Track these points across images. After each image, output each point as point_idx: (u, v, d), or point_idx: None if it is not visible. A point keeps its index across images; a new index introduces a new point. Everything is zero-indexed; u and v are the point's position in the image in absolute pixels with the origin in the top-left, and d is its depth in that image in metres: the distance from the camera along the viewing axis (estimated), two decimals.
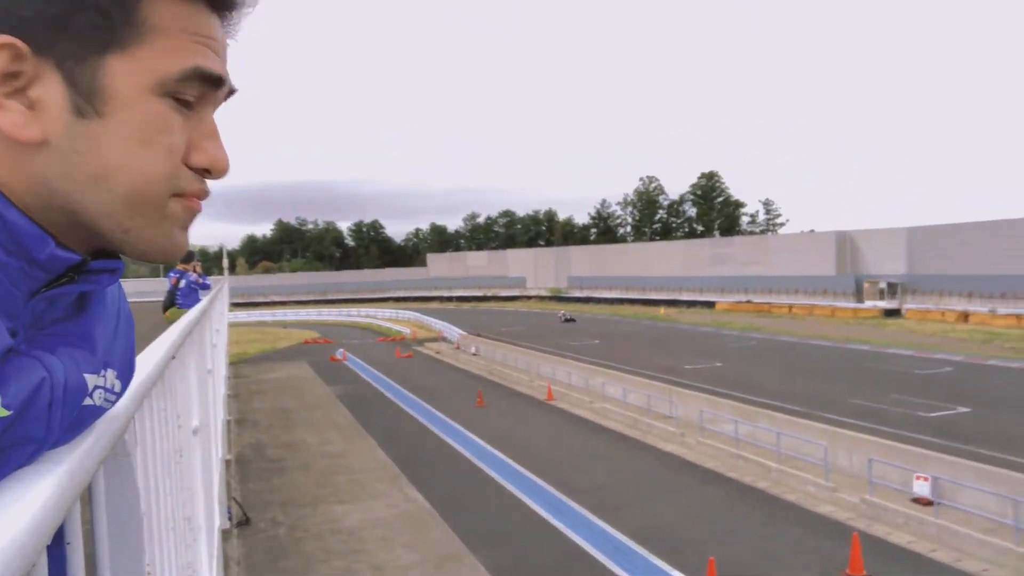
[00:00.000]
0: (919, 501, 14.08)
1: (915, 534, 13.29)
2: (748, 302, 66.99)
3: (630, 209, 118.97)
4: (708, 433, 19.60)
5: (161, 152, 0.66)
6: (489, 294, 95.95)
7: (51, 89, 0.63)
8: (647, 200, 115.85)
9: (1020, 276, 48.78)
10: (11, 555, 0.50)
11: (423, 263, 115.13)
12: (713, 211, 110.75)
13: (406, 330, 57.50)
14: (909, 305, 55.42)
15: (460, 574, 11.66)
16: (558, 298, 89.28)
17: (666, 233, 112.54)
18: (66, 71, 0.64)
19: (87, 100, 0.64)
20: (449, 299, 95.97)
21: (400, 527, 13.80)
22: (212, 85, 0.69)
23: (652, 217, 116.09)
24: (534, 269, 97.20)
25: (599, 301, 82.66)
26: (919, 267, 57.23)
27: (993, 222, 53.11)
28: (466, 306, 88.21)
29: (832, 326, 50.69)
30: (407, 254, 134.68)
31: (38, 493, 0.62)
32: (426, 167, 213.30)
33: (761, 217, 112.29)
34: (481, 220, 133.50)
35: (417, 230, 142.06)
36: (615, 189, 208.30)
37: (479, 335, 45.23)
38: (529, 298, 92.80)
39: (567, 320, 60.84)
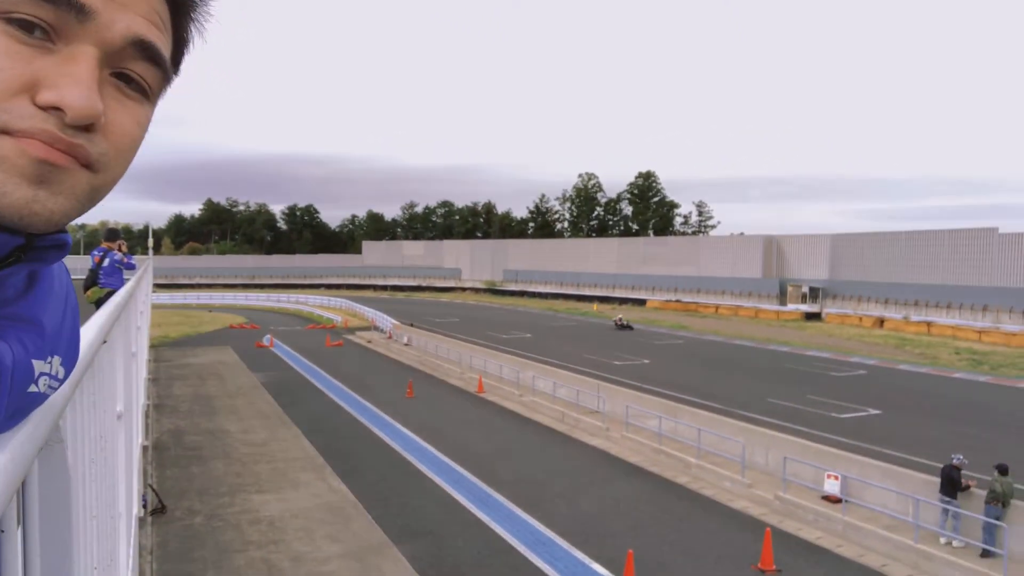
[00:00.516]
0: (829, 498, 14.74)
1: (824, 530, 13.92)
2: (677, 301, 68.55)
3: (568, 205, 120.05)
4: (633, 428, 20.04)
5: None
6: (424, 284, 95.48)
7: None
8: (585, 196, 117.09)
9: (931, 285, 51.36)
10: None
11: (358, 250, 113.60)
12: (648, 210, 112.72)
13: (337, 318, 56.70)
14: (829, 309, 57.71)
15: (381, 566, 11.69)
16: (493, 290, 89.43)
17: (602, 230, 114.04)
18: None
19: None
20: (384, 288, 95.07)
21: (322, 518, 13.74)
22: (64, 8, 0.60)
23: (590, 214, 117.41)
24: (471, 261, 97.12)
25: (534, 295, 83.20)
26: (840, 273, 59.64)
27: (908, 232, 55.70)
28: (400, 295, 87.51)
29: (755, 327, 52.35)
30: (342, 240, 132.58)
31: None
32: (365, 153, 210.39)
33: (694, 219, 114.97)
34: (419, 210, 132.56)
35: (353, 216, 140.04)
36: (554, 184, 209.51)
37: (412, 325, 44.97)
38: (464, 290, 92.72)
39: (623, 327, 49.93)
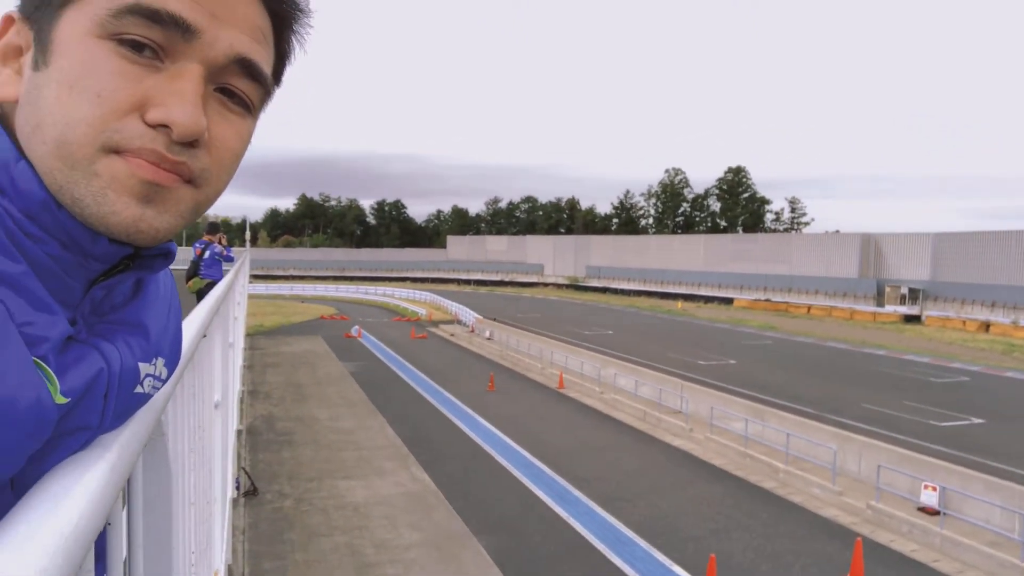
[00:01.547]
0: (925, 510, 14.03)
1: (919, 543, 13.26)
2: (767, 300, 66.58)
3: (653, 201, 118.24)
4: (717, 430, 19.59)
5: (86, 96, 0.62)
6: (507, 279, 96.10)
7: (29, 52, 0.66)
8: (671, 192, 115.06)
9: None
10: (75, 540, 0.56)
11: (443, 245, 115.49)
12: (738, 207, 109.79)
13: (422, 311, 57.74)
14: (930, 312, 54.87)
15: (461, 556, 11.87)
16: (575, 286, 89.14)
17: (688, 227, 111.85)
18: (36, 31, 0.66)
19: (42, 53, 0.64)
20: (467, 282, 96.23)
21: (405, 506, 14.05)
22: (172, 28, 0.63)
23: (675, 210, 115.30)
24: (553, 256, 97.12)
25: (616, 292, 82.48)
26: (943, 274, 56.60)
27: (1020, 232, 52.30)
28: (483, 290, 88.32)
29: (850, 329, 50.29)
30: (427, 235, 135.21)
31: (93, 480, 0.67)
32: (451, 150, 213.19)
33: (786, 215, 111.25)
34: (503, 205, 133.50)
35: (439, 211, 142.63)
36: (640, 180, 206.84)
37: (494, 320, 45.33)
38: (547, 285, 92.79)
39: None
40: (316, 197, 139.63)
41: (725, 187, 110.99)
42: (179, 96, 0.63)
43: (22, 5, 0.68)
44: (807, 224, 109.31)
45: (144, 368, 0.78)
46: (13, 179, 0.64)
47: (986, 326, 49.31)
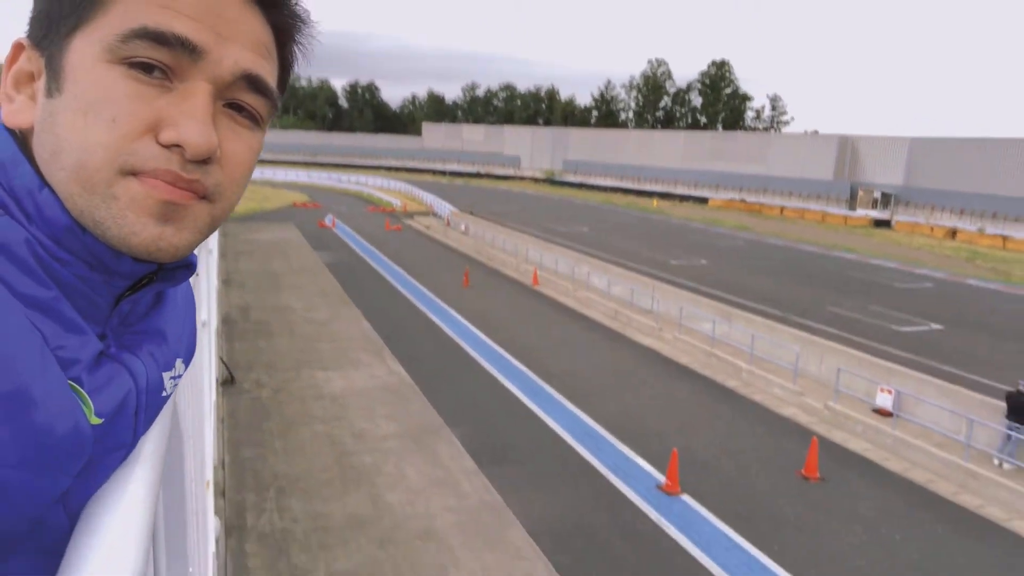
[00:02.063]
0: (880, 412, 14.73)
1: (871, 443, 13.99)
2: (742, 201, 66.89)
3: (635, 93, 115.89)
4: (685, 330, 20.09)
5: (101, 121, 0.64)
6: (483, 171, 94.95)
7: (41, 78, 0.68)
8: (653, 85, 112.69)
9: (1012, 197, 48.78)
10: (142, 547, 0.62)
11: (418, 131, 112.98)
12: (719, 102, 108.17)
13: (396, 201, 57.16)
14: (900, 217, 55.63)
15: (436, 446, 12.27)
16: (552, 181, 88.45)
17: (668, 122, 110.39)
18: (47, 58, 0.68)
19: (54, 79, 0.66)
20: (443, 173, 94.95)
21: (382, 397, 14.37)
22: (179, 49, 0.65)
23: (656, 103, 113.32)
24: (531, 149, 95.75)
25: (593, 188, 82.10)
26: (916, 179, 56.99)
27: (996, 140, 52.47)
28: (459, 181, 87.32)
29: (821, 232, 50.98)
30: (402, 121, 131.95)
31: (139, 488, 0.71)
32: (428, 30, 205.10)
33: (767, 113, 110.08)
34: (480, 92, 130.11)
35: (414, 96, 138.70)
36: (622, 72, 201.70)
37: (470, 213, 45.11)
38: (523, 179, 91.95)
39: None
40: None
41: (708, 81, 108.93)
42: (190, 116, 0.65)
43: (31, 32, 0.69)
44: (787, 123, 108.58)
45: (167, 375, 0.82)
46: (38, 206, 0.66)
47: (953, 233, 50.28)
